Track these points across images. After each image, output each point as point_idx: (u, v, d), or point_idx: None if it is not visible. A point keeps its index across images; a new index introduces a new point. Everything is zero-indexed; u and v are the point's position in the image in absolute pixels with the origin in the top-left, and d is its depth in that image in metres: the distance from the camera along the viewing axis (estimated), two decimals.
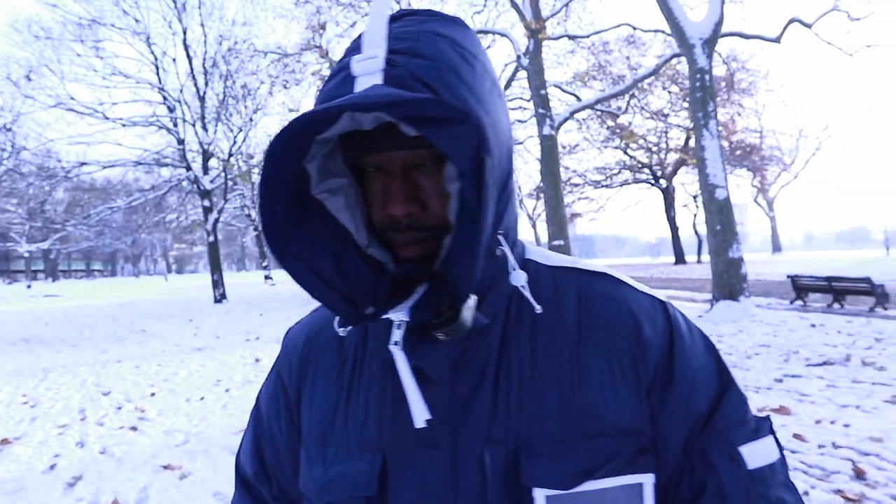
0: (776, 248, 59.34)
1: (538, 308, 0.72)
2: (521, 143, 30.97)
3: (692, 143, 38.57)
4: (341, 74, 0.64)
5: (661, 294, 0.79)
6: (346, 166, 0.72)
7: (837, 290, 13.40)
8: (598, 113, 32.31)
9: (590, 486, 0.66)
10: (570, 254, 18.09)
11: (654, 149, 40.80)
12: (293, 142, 0.61)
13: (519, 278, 0.72)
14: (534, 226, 62.34)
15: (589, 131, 38.19)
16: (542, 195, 42.20)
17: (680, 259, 44.73)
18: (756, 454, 0.71)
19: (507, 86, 25.06)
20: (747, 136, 41.29)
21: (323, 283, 0.66)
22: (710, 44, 12.57)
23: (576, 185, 43.07)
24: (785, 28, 16.17)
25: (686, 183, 45.20)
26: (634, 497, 0.67)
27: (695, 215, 47.04)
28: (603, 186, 44.81)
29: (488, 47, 26.02)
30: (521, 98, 26.92)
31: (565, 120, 19.34)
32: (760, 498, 0.69)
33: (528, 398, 0.69)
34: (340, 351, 0.79)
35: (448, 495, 0.67)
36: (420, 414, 0.64)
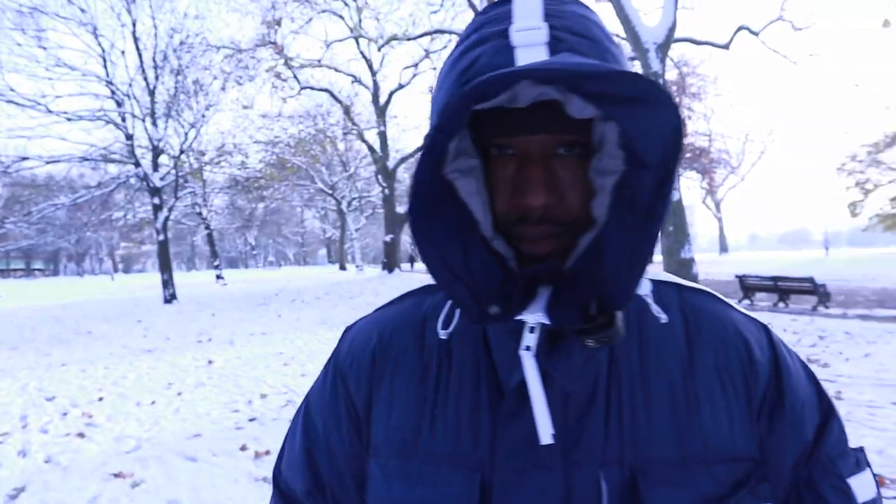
0: (723, 248, 61.00)
1: (664, 318, 0.67)
2: None
3: None
4: (493, 43, 0.58)
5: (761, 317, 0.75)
6: (474, 148, 0.64)
7: (783, 290, 13.88)
8: None
9: None
10: None
11: None
12: (457, 111, 0.52)
13: (644, 286, 0.69)
14: None
15: None
16: None
17: None
18: (862, 487, 0.69)
19: None
20: (697, 139, 42.33)
21: (451, 274, 0.60)
22: (663, 48, 12.85)
23: None
24: (734, 35, 16.69)
25: None
26: None
27: None
28: None
29: (444, 47, 26.05)
30: None
31: None
32: None
33: (642, 418, 0.64)
34: (422, 356, 0.72)
35: None
36: (546, 429, 0.59)
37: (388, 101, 29.74)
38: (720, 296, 0.74)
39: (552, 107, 0.59)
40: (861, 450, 0.73)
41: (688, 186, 49.79)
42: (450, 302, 0.72)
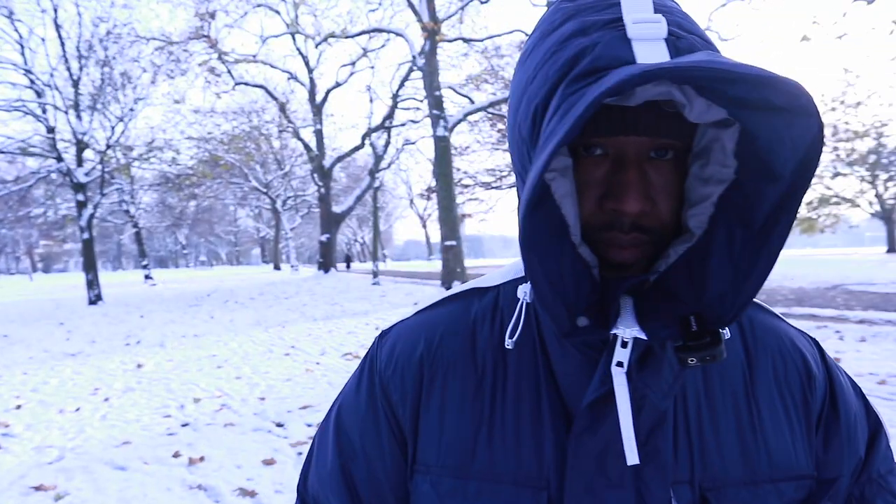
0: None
1: (727, 334, 0.60)
2: (413, 143, 31.06)
3: None
4: (605, 33, 0.52)
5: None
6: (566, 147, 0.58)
7: None
8: (490, 116, 32.97)
9: None
10: (462, 253, 18.38)
11: None
12: (594, 106, 0.46)
13: None
14: (424, 226, 62.95)
15: (481, 134, 38.98)
16: (433, 196, 42.52)
17: None
18: None
19: (401, 86, 25.10)
20: None
21: (548, 283, 0.56)
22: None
23: (466, 186, 43.76)
24: None
25: None
26: None
27: None
28: (493, 188, 45.80)
29: (382, 46, 25.96)
30: (415, 98, 27.04)
31: (459, 122, 19.60)
32: None
33: (710, 435, 0.62)
34: (473, 363, 0.67)
35: None
36: (632, 449, 0.56)
37: (324, 99, 29.44)
38: (771, 308, 0.73)
39: (660, 108, 0.55)
40: None
41: None
42: (515, 313, 0.65)
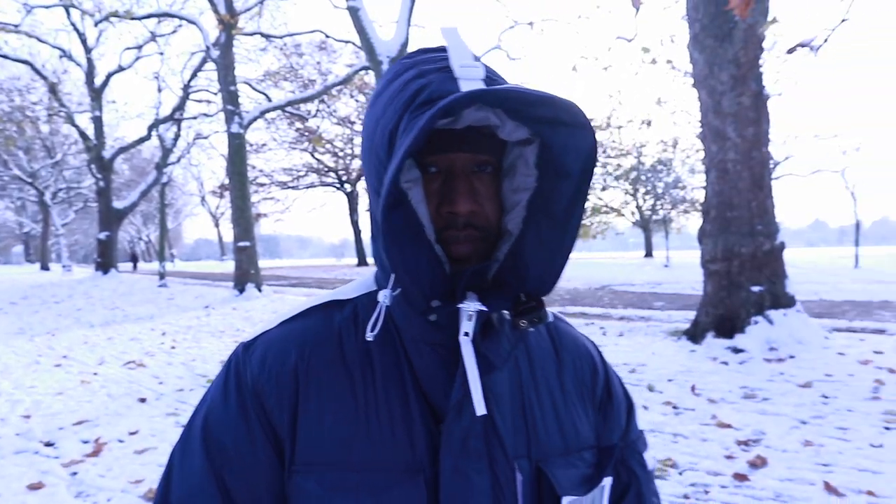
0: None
1: (531, 329, 0.78)
2: (205, 137, 29.45)
3: None
4: (438, 76, 0.67)
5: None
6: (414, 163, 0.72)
7: None
8: (288, 114, 32.32)
9: (593, 490, 0.77)
10: (256, 255, 17.86)
11: (341, 154, 42.18)
12: (427, 128, 0.60)
13: None
14: (217, 225, 59.68)
15: (277, 132, 38.08)
16: (226, 194, 40.50)
17: (363, 261, 46.87)
18: (649, 459, 0.91)
19: (193, 76, 23.72)
20: None
21: (407, 272, 0.67)
22: (395, 62, 13.53)
23: (262, 184, 42.46)
24: None
25: None
26: (601, 497, 0.79)
27: None
28: (289, 187, 44.91)
29: (173, 32, 24.31)
30: (208, 90, 25.68)
31: (255, 119, 19.04)
32: (653, 490, 0.89)
33: (538, 417, 0.78)
34: (344, 367, 0.74)
35: None
36: (480, 404, 0.67)
37: (105, 83, 26.73)
38: (565, 319, 0.93)
39: (480, 131, 0.71)
40: (642, 431, 0.94)
41: None
42: (359, 312, 0.79)
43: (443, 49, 0.72)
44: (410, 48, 15.75)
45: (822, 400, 5.23)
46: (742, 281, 7.63)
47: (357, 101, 35.65)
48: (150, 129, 25.82)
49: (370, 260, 49.93)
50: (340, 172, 43.91)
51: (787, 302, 7.63)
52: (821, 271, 24.69)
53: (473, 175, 0.73)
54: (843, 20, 6.97)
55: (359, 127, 39.36)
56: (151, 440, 4.70)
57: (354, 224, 45.97)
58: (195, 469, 0.74)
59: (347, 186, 44.79)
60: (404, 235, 0.69)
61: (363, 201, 48.78)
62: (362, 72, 19.80)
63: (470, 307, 0.68)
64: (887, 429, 4.43)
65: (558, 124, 0.66)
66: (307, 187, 45.82)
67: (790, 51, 6.56)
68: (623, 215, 44.84)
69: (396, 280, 0.69)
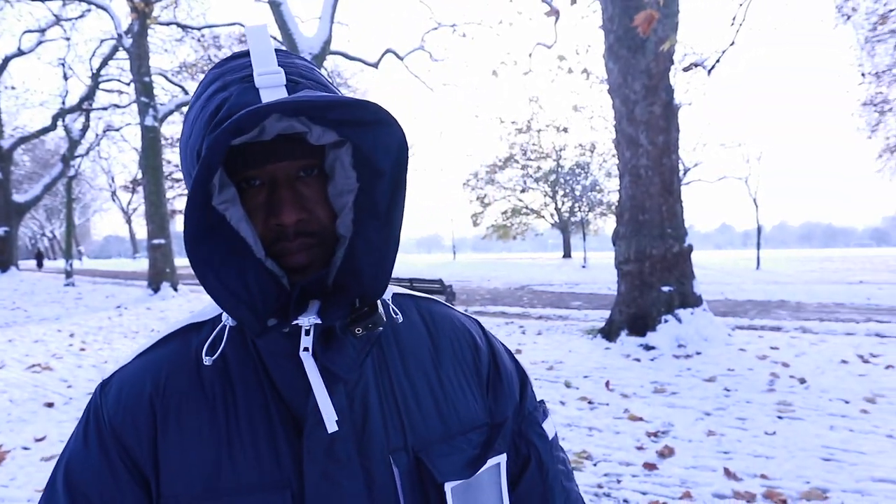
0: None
1: (400, 318, 0.79)
2: (116, 129, 28.16)
3: None
4: (238, 87, 0.66)
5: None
6: (230, 181, 0.69)
7: (417, 290, 15.45)
8: None
9: (480, 471, 0.76)
10: (172, 253, 17.28)
11: None
12: (220, 146, 0.59)
13: (388, 292, 0.82)
14: (129, 221, 57.03)
15: None
16: (139, 189, 38.85)
17: None
18: (549, 428, 0.91)
19: (103, 65, 22.65)
20: None
21: (230, 294, 0.65)
22: (318, 59, 13.40)
23: (178, 180, 40.88)
24: (382, 56, 18.14)
25: None
26: (496, 474, 0.79)
27: None
28: None
29: (80, 17, 23.10)
30: (120, 81, 24.58)
31: (171, 112, 18.45)
32: (557, 458, 0.90)
33: (413, 407, 0.76)
34: (202, 390, 0.72)
35: None
36: (331, 417, 0.66)
37: (2, 67, 25.13)
38: (443, 301, 0.92)
39: (292, 138, 0.68)
40: (543, 402, 0.94)
41: None
42: (214, 333, 0.74)
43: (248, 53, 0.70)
44: (334, 46, 15.65)
45: (725, 393, 5.59)
46: (653, 281, 8.02)
47: None
48: (56, 118, 24.47)
49: None
50: None
51: (694, 301, 8.07)
52: (726, 272, 26.08)
53: (299, 181, 0.71)
54: (731, 43, 7.44)
55: None
56: (60, 446, 4.48)
57: None
58: None
59: None
60: (227, 258, 0.67)
61: None
62: None
63: (305, 322, 0.67)
64: (780, 418, 4.79)
65: (361, 124, 0.65)
66: None
67: (686, 69, 6.94)
68: (542, 217, 45.75)
69: (221, 305, 0.66)
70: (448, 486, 0.73)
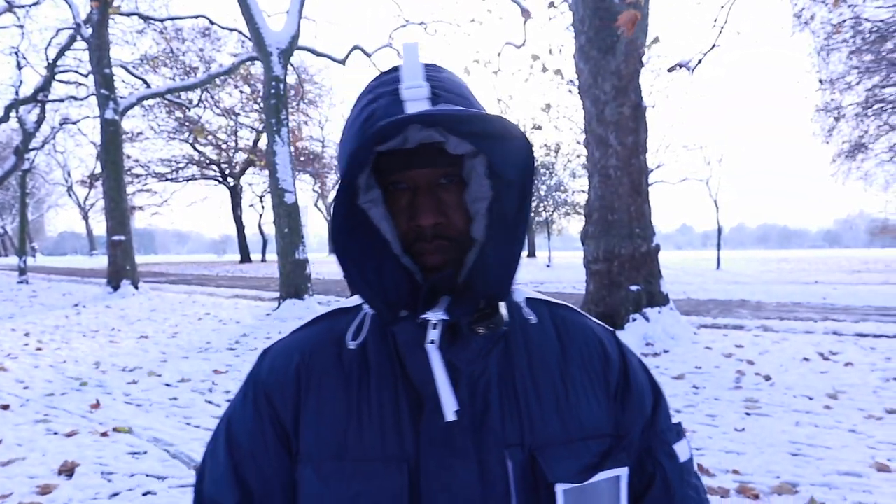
0: (331, 249, 64.67)
1: (533, 319, 0.85)
2: (74, 122, 27.37)
3: (261, 144, 39.66)
4: (387, 99, 0.74)
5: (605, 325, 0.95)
6: (377, 183, 0.79)
7: None
8: (168, 103, 30.69)
9: (594, 478, 0.77)
10: (132, 250, 16.87)
11: (224, 146, 40.61)
12: (364, 151, 0.68)
13: (521, 294, 0.86)
14: (86, 217, 55.50)
15: (156, 120, 35.98)
16: (97, 184, 37.86)
17: (245, 258, 45.41)
18: (682, 451, 0.90)
19: (60, 55, 21.99)
20: (311, 144, 44.18)
21: (367, 286, 0.74)
22: (286, 54, 13.21)
23: (138, 175, 40.08)
24: (349, 53, 17.99)
25: (254, 183, 46.15)
26: (615, 486, 0.80)
27: (261, 215, 48.40)
28: (168, 179, 42.70)
29: (35, 3, 22.35)
30: (78, 72, 23.87)
31: (132, 105, 18.02)
32: (688, 483, 0.89)
33: (534, 407, 0.79)
34: (341, 368, 0.81)
35: (478, 496, 0.74)
36: (450, 407, 0.72)
37: None
38: (578, 309, 0.93)
39: (434, 147, 0.76)
40: (679, 424, 0.93)
41: (301, 189, 51.61)
42: (358, 318, 0.85)
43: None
44: (301, 41, 15.45)
45: (693, 390, 5.68)
46: (622, 280, 8.11)
47: (242, 92, 34.43)
48: (9, 109, 23.62)
49: (254, 256, 48.44)
50: (223, 165, 42.28)
51: (661, 300, 8.19)
52: (688, 272, 26.60)
53: (440, 188, 0.78)
54: (713, 46, 7.57)
55: (244, 119, 38.12)
56: (18, 450, 4.30)
57: (237, 219, 44.41)
58: (219, 463, 0.85)
59: (230, 180, 43.21)
60: (367, 252, 0.76)
61: (248, 195, 47.24)
62: (248, 62, 19.20)
63: (433, 317, 0.74)
64: (748, 414, 4.88)
65: (491, 137, 0.70)
66: (187, 180, 43.74)
67: (670, 69, 7.06)
68: None
69: (359, 294, 0.75)
70: (559, 488, 0.75)
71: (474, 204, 0.80)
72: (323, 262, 42.76)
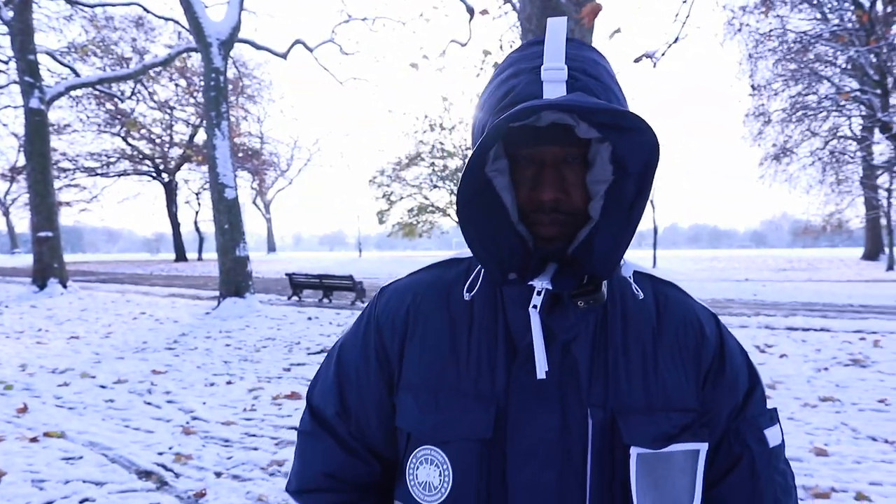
0: (271, 248, 63.58)
1: (641, 295, 0.88)
2: None
3: (198, 139, 38.59)
4: (526, 76, 0.78)
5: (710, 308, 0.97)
6: (505, 154, 0.83)
7: (327, 287, 15.24)
8: (98, 93, 29.43)
9: (669, 448, 0.81)
10: (60, 247, 16.09)
11: (159, 141, 39.28)
12: (500, 129, 0.72)
13: (628, 269, 0.88)
14: (6, 213, 52.68)
15: (85, 112, 34.38)
16: (19, 177, 36.02)
17: (181, 256, 44.08)
18: (773, 436, 0.91)
19: None
20: (250, 140, 43.26)
21: (482, 248, 0.80)
22: (226, 46, 12.86)
23: (65, 169, 38.25)
24: (291, 47, 17.66)
25: (190, 179, 44.82)
26: (692, 460, 0.83)
27: (197, 212, 47.05)
28: (98, 174, 40.95)
29: None
30: None
31: (60, 95, 17.18)
32: (776, 469, 0.90)
33: (621, 373, 0.84)
34: (448, 313, 0.90)
35: (559, 445, 0.81)
36: (542, 366, 0.78)
37: None
38: (682, 288, 0.96)
39: (564, 127, 0.79)
40: (775, 409, 0.95)
41: (239, 186, 50.35)
42: (471, 272, 0.92)
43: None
44: (242, 34, 15.03)
45: None
46: None
47: (178, 85, 33.35)
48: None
49: (190, 255, 47.06)
50: (158, 161, 40.83)
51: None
52: None
53: (564, 165, 0.81)
54: (676, 39, 7.71)
55: (179, 113, 36.96)
56: None
57: (173, 216, 43.03)
58: (329, 378, 0.98)
59: (165, 176, 41.80)
60: (486, 216, 0.81)
61: (183, 192, 45.81)
62: (185, 54, 18.61)
63: (538, 284, 0.80)
64: None
65: (620, 129, 0.73)
66: (118, 175, 42.06)
67: (637, 60, 7.14)
68: (448, 215, 45.98)
69: (474, 254, 0.81)
70: (634, 451, 0.80)
71: (595, 185, 0.83)
72: (262, 261, 42.02)
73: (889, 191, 24.83)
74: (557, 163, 0.81)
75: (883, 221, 27.49)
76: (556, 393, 0.82)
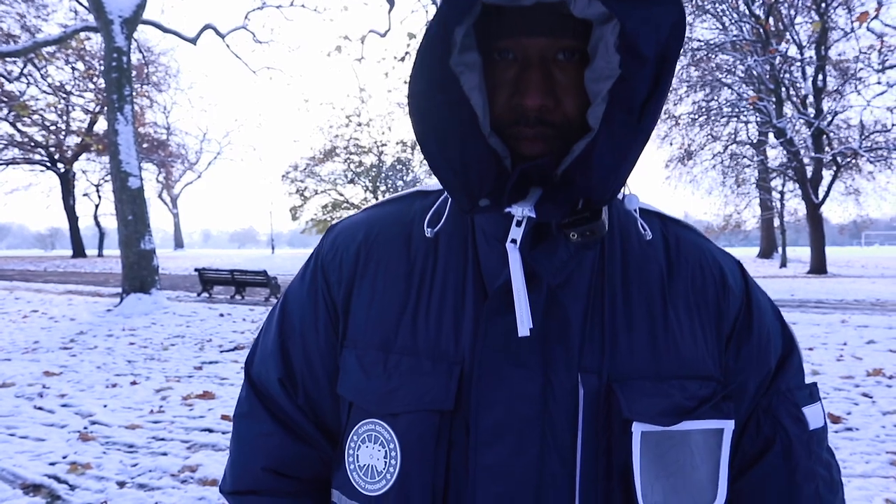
0: (178, 244, 61.11)
1: (649, 235, 0.71)
2: None
3: (97, 127, 36.44)
4: None
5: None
6: (478, 48, 0.64)
7: (239, 283, 14.72)
8: None
9: (683, 426, 0.64)
10: None
11: (53, 128, 36.67)
12: None
13: (633, 202, 0.70)
14: None
15: None
16: None
17: (79, 252, 41.49)
18: (814, 416, 0.74)
19: None
20: (156, 130, 41.31)
21: (445, 163, 0.63)
22: (129, 24, 12.10)
23: None
24: (201, 31, 16.89)
25: (89, 171, 42.25)
26: (714, 442, 0.66)
27: (97, 205, 44.45)
28: None
29: None
30: None
31: None
32: (816, 457, 0.72)
33: (622, 333, 0.67)
34: (408, 254, 0.73)
35: (537, 419, 0.63)
36: (525, 321, 0.61)
37: None
38: (700, 231, 0.78)
39: (556, 9, 0.61)
40: (814, 384, 0.77)
41: (144, 178, 48.12)
42: (437, 203, 0.74)
43: None
44: (147, 14, 14.15)
45: None
46: None
47: (75, 69, 31.23)
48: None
49: (89, 252, 44.42)
50: (52, 149, 38.12)
51: None
52: None
53: (555, 64, 0.64)
54: None
55: (77, 98, 34.71)
56: None
57: (69, 210, 40.34)
58: (271, 334, 0.80)
59: (61, 166, 39.10)
60: (452, 125, 0.62)
61: (81, 184, 43.10)
62: (83, 34, 17.39)
63: (517, 212, 0.62)
64: None
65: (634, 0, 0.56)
66: (6, 164, 39.02)
67: None
68: None
69: (434, 172, 0.64)
70: (637, 428, 0.63)
71: (595, 84, 0.63)
72: (169, 257, 40.31)
73: (782, 193, 26.54)
74: (546, 59, 0.63)
75: (776, 222, 29.31)
76: (537, 352, 0.65)
